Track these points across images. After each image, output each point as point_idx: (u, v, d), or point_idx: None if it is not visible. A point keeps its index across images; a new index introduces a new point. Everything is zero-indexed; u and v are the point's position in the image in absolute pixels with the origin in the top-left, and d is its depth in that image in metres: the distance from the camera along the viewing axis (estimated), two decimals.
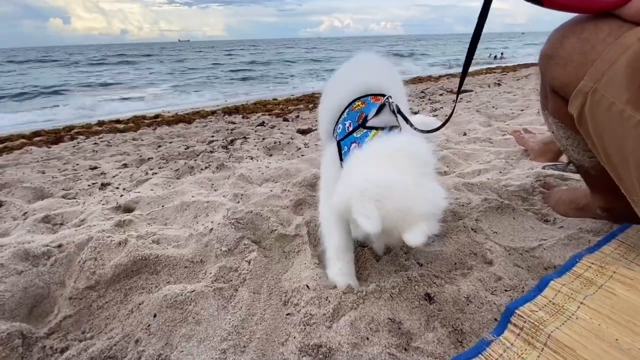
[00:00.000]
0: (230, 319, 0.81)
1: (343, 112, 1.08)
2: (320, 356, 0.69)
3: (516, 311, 0.73)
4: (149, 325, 0.84)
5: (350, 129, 1.01)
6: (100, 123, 5.03)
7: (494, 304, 0.81)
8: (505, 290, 0.86)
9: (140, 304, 0.93)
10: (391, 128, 0.93)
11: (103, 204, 1.60)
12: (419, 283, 0.88)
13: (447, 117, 1.04)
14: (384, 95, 1.01)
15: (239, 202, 1.45)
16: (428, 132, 1.01)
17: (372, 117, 0.96)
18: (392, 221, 0.70)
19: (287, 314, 0.85)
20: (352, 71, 1.20)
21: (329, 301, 0.84)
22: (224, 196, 1.53)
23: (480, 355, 0.66)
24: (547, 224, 1.15)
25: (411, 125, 0.98)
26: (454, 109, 1.07)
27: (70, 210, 1.55)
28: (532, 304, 0.75)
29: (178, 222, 1.39)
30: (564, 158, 1.68)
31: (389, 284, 0.87)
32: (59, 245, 1.10)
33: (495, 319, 0.77)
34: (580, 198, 1.20)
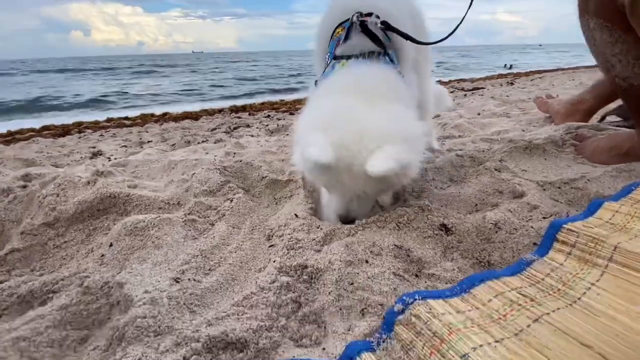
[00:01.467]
0: (198, 245, 0.66)
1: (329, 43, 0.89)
2: (305, 277, 0.53)
3: (565, 226, 0.55)
4: (102, 255, 0.70)
5: (329, 61, 0.83)
6: (108, 119, 5.06)
7: (532, 227, 0.63)
8: (544, 218, 0.68)
9: (102, 244, 0.79)
10: (365, 54, 0.75)
11: (88, 166, 1.49)
12: (433, 213, 0.71)
13: (456, 25, 0.88)
14: (370, 15, 0.81)
15: (229, 158, 1.32)
16: (428, 44, 0.84)
17: (341, 44, 0.79)
18: (350, 150, 0.58)
19: (270, 246, 0.69)
20: None
21: (321, 228, 0.67)
22: (215, 156, 1.40)
23: (519, 274, 0.49)
24: (586, 163, 0.96)
25: (407, 37, 0.79)
26: (464, 15, 0.91)
27: (52, 171, 1.44)
28: (585, 222, 0.58)
29: (163, 178, 1.26)
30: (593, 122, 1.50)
31: (396, 212, 0.71)
32: (24, 186, 0.98)
33: (535, 244, 0.59)
34: (624, 141, 1.02)
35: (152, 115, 5.22)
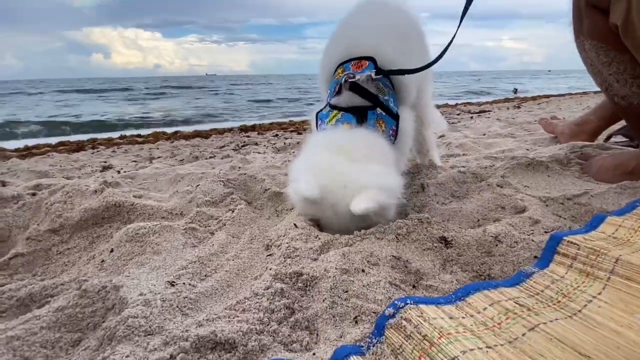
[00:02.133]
0: (196, 252, 0.66)
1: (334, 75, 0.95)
2: (300, 284, 0.52)
3: (565, 238, 0.54)
4: (102, 261, 0.70)
5: (329, 99, 0.91)
6: (122, 137, 5.21)
7: (533, 241, 0.62)
8: (546, 232, 0.66)
9: (104, 251, 0.80)
10: (354, 109, 0.83)
11: (97, 178, 1.53)
12: (433, 226, 0.71)
13: (447, 44, 0.91)
14: (369, 59, 0.88)
15: (234, 171, 1.34)
16: (421, 69, 0.88)
17: (335, 96, 0.87)
18: (335, 193, 0.68)
19: (268, 255, 0.69)
20: (345, 25, 1.03)
21: (319, 238, 0.67)
22: (220, 170, 1.43)
23: (517, 286, 0.47)
24: (590, 181, 0.95)
25: (404, 72, 0.87)
26: (454, 34, 0.93)
27: (63, 182, 1.49)
28: (586, 235, 0.56)
29: (169, 190, 1.28)
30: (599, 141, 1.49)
31: (395, 224, 0.71)
32: (33, 194, 1.02)
33: (536, 257, 0.58)
34: (629, 160, 1.01)
35: (164, 133, 5.37)
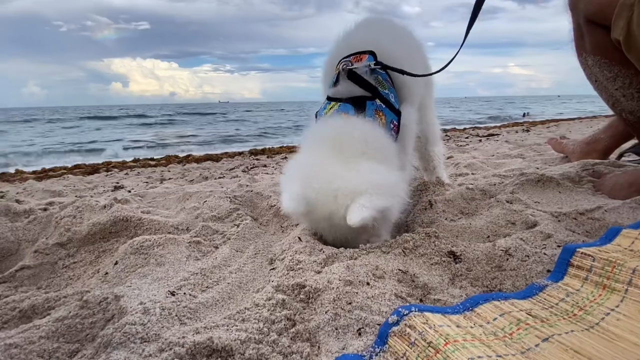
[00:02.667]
0: (199, 264, 0.66)
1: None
2: (302, 296, 0.51)
3: (579, 250, 0.52)
4: (106, 273, 0.70)
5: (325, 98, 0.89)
6: (135, 160, 5.36)
7: (545, 254, 0.59)
8: (558, 246, 0.64)
9: (108, 265, 0.80)
10: (353, 99, 0.79)
11: (108, 196, 1.56)
12: (441, 240, 0.69)
13: (451, 59, 0.92)
14: (369, 53, 0.85)
15: (241, 188, 1.35)
16: (420, 75, 0.87)
17: (332, 87, 0.84)
18: (327, 205, 0.64)
19: (272, 269, 0.68)
20: (346, 35, 1.00)
21: (323, 251, 0.66)
22: (227, 187, 1.44)
23: (530, 299, 0.45)
24: (602, 197, 0.92)
25: (403, 72, 0.83)
26: (459, 49, 0.94)
27: (74, 199, 1.52)
28: (602, 247, 0.54)
29: (176, 207, 1.30)
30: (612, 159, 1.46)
31: (401, 238, 0.69)
32: (44, 209, 1.04)
33: (549, 271, 0.55)
34: None
35: (176, 156, 5.50)
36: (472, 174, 1.54)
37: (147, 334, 0.41)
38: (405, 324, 0.35)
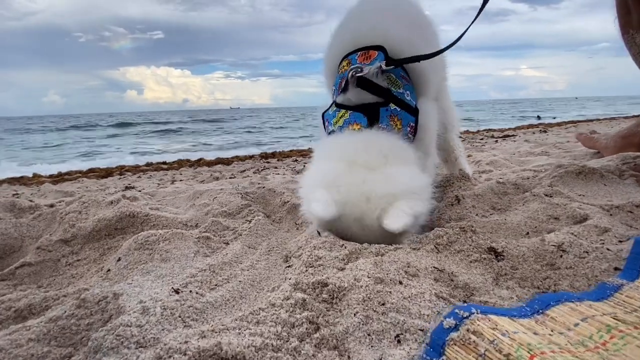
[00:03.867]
0: (208, 261, 0.59)
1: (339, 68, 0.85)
2: (325, 295, 0.44)
3: None
4: (108, 270, 0.64)
5: (334, 97, 0.82)
6: (148, 164, 5.42)
7: (608, 250, 0.50)
8: (620, 241, 0.55)
9: (112, 261, 0.75)
10: (363, 107, 0.74)
11: (121, 195, 1.53)
12: (478, 235, 0.61)
13: (464, 31, 0.82)
14: (379, 48, 0.77)
15: (253, 185, 1.29)
16: (437, 53, 0.78)
17: (340, 93, 0.77)
18: (356, 204, 0.61)
19: (287, 267, 0.61)
20: (351, 14, 0.91)
21: (345, 247, 0.59)
22: (239, 184, 1.39)
23: (606, 300, 0.37)
24: None
25: (417, 59, 0.76)
26: (473, 20, 0.85)
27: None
28: None
29: (186, 205, 1.25)
30: None
31: (433, 233, 0.61)
32: (51, 205, 1.00)
33: (617, 268, 0.46)
34: None
35: (188, 160, 5.53)
36: (497, 170, 1.45)
37: (143, 338, 0.34)
38: (468, 330, 0.27)
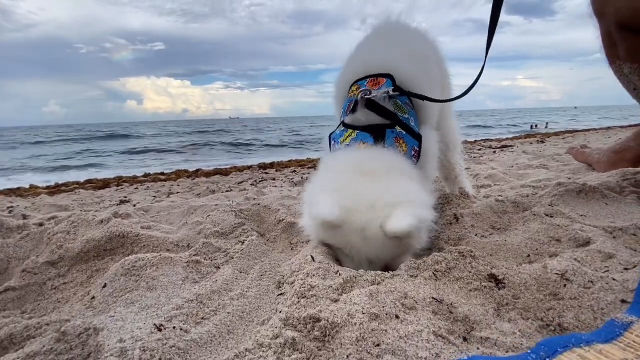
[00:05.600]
0: (196, 290, 0.57)
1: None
2: (317, 332, 0.41)
3: None
4: (92, 297, 0.62)
5: (342, 119, 0.86)
6: (145, 174, 5.39)
7: (614, 280, 0.48)
8: (626, 269, 0.53)
9: (98, 287, 0.72)
10: (370, 128, 0.77)
11: (113, 212, 1.50)
12: (478, 260, 0.59)
13: (475, 80, 0.85)
14: (387, 76, 0.83)
15: (248, 201, 1.27)
16: (444, 101, 0.82)
17: (349, 114, 0.81)
18: (362, 215, 0.60)
19: (280, 294, 0.58)
20: (361, 45, 0.98)
21: (339, 274, 0.56)
22: (233, 200, 1.37)
23: (615, 341, 0.34)
24: None
25: (423, 98, 0.80)
26: (482, 67, 0.87)
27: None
28: None
29: (180, 222, 1.22)
30: None
31: (431, 259, 0.59)
32: (40, 224, 0.97)
33: (624, 300, 0.44)
34: None
35: (186, 171, 5.51)
36: (496, 184, 1.43)
37: None
38: None
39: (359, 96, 0.78)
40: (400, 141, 0.76)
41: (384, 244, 0.60)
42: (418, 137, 0.80)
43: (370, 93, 0.78)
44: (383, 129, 0.76)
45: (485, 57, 0.90)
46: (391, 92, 0.78)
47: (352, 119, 0.80)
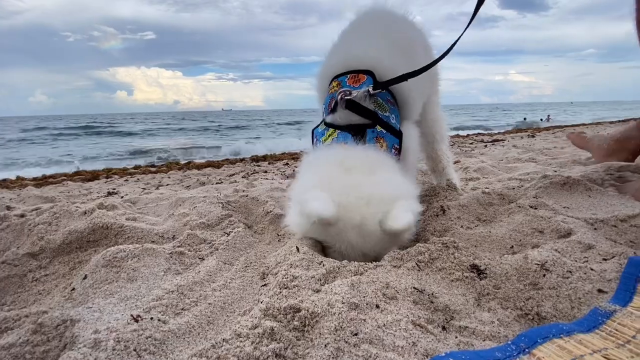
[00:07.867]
0: (177, 281, 0.56)
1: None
2: (296, 322, 0.41)
3: None
4: (73, 289, 0.61)
5: (324, 116, 0.85)
6: (136, 167, 5.31)
7: (592, 270, 0.49)
8: (604, 259, 0.53)
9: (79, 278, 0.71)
10: (351, 127, 0.77)
11: (100, 203, 1.48)
12: (461, 251, 0.59)
13: (457, 38, 0.84)
14: (367, 72, 0.81)
15: (236, 193, 1.26)
16: (418, 72, 0.80)
17: (329, 113, 0.81)
18: (358, 212, 0.60)
19: (263, 285, 0.58)
20: (344, 36, 0.95)
21: (323, 265, 0.56)
22: (222, 192, 1.35)
23: (596, 330, 0.35)
24: None
25: (404, 78, 0.78)
26: (465, 29, 0.86)
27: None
28: None
29: (167, 213, 1.21)
30: None
31: (415, 249, 0.59)
32: (21, 215, 0.95)
33: (600, 290, 0.45)
34: None
35: (177, 163, 5.44)
36: (484, 177, 1.44)
37: None
38: None
39: (339, 97, 0.77)
40: (381, 140, 0.77)
41: (381, 239, 0.60)
42: (399, 135, 0.80)
43: (351, 94, 0.77)
44: (364, 129, 0.76)
45: (474, 15, 0.87)
46: (371, 91, 0.77)
47: (332, 118, 0.80)
